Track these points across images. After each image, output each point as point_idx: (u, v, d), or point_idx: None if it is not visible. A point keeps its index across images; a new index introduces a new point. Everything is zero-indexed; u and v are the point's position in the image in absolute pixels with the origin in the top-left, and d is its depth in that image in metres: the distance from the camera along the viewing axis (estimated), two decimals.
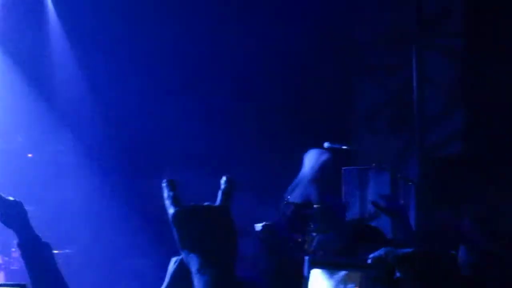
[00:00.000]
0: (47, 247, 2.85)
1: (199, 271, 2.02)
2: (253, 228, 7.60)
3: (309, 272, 2.37)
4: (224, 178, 2.12)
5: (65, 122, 8.92)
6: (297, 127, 8.95)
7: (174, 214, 2.07)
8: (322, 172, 5.43)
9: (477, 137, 8.65)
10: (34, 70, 8.85)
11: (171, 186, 2.10)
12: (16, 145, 8.74)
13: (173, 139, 8.59)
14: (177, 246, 2.13)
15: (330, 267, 2.40)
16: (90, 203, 8.49)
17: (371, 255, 2.76)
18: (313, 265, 2.40)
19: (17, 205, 2.92)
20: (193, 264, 2.04)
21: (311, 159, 5.53)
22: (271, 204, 7.61)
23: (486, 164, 8.16)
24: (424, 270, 2.70)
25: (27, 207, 2.96)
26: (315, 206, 5.17)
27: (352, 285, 2.33)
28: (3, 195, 2.90)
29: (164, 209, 2.06)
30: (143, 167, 8.54)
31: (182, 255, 2.09)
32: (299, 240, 5.12)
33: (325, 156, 5.57)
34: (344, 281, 2.34)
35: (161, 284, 2.57)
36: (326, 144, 7.38)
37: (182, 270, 2.23)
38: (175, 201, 2.07)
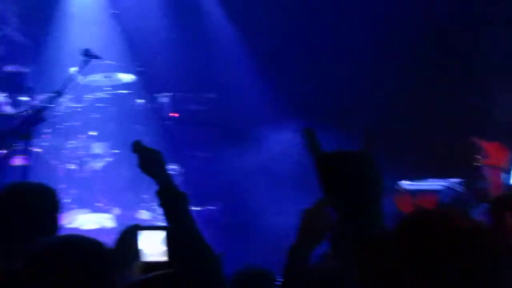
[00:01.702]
0: (183, 196, 2.88)
1: (345, 215, 2.04)
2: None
3: None
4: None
5: (206, 83, 9.12)
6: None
7: (318, 159, 2.09)
8: None
9: None
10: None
11: (310, 134, 2.12)
12: (159, 105, 8.97)
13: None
14: (321, 190, 2.16)
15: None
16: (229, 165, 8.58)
17: None
18: None
19: (156, 153, 2.95)
20: (340, 209, 2.07)
21: None
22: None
23: None
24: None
25: (172, 166, 3.01)
26: None
27: None
28: (143, 144, 2.96)
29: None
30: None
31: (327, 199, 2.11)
32: None
33: None
34: None
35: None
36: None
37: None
38: (315, 148, 2.09)
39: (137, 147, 2.94)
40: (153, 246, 2.86)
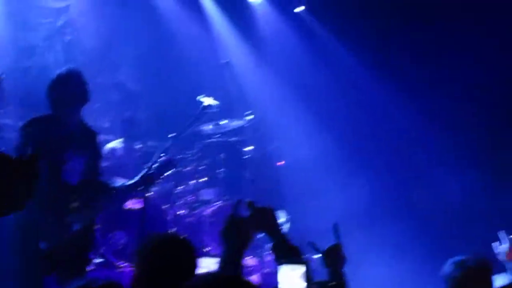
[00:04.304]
0: (297, 251, 3.04)
1: None
2: None
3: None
4: None
5: (319, 127, 9.10)
6: None
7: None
8: None
9: None
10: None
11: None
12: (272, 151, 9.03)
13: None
14: None
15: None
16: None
17: None
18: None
19: (270, 212, 3.11)
20: None
21: None
22: None
23: None
24: None
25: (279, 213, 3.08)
26: None
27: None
28: (254, 202, 3.12)
29: None
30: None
31: None
32: None
33: None
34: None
35: None
36: None
37: None
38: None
39: (251, 208, 3.12)
40: (292, 281, 2.88)
